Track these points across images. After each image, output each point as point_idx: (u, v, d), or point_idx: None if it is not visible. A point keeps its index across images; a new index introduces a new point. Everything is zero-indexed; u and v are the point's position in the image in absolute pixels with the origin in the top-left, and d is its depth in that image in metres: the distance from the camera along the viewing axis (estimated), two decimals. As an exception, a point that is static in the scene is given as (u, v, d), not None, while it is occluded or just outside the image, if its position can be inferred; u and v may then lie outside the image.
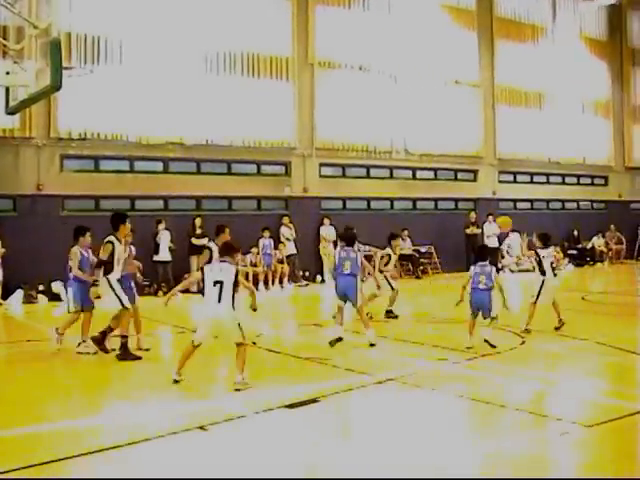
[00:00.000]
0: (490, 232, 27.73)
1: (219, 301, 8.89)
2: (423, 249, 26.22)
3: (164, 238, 20.92)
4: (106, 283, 11.09)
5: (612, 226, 33.26)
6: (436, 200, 28.51)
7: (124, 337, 10.98)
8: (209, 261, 12.01)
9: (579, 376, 9.96)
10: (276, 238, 23.12)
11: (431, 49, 27.55)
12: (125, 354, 10.91)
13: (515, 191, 31.20)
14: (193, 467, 6.35)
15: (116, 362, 10.74)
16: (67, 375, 10.60)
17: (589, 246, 32.36)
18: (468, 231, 27.38)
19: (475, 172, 29.67)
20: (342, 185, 26.02)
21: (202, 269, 9.25)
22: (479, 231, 27.70)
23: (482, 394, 8.72)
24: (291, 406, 7.92)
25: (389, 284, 15.12)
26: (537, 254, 13.26)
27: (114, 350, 11.15)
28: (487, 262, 11.75)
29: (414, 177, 27.89)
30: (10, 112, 14.27)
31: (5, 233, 18.86)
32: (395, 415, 8.10)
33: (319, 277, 24.16)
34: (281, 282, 22.49)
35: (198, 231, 21.43)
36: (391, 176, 27.33)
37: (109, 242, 11.18)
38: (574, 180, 33.56)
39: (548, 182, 32.48)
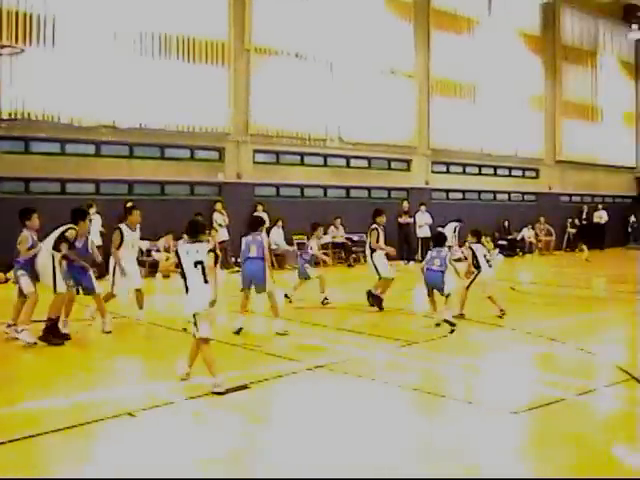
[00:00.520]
0: (422, 222, 28.10)
1: (205, 282, 8.27)
2: (356, 237, 26.29)
3: (95, 222, 20.56)
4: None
5: (542, 218, 33.96)
6: (369, 189, 28.66)
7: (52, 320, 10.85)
8: (120, 243, 12.03)
9: (506, 364, 10.12)
10: (209, 224, 22.95)
11: (368, 38, 27.65)
12: (48, 336, 10.76)
13: (448, 181, 31.57)
14: (121, 453, 6.31)
15: (38, 349, 10.53)
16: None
17: (519, 237, 32.98)
18: (401, 220, 27.63)
19: (408, 162, 29.90)
20: (276, 172, 25.99)
21: (176, 252, 8.44)
22: (411, 220, 28.01)
23: (410, 381, 8.83)
24: (220, 393, 7.89)
25: (305, 271, 15.28)
26: (471, 249, 13.79)
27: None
28: (443, 248, 13.00)
29: (348, 165, 28.00)
30: None
31: None
32: (321, 401, 8.14)
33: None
34: (214, 268, 22.28)
35: (130, 216, 21.23)
36: (325, 164, 27.39)
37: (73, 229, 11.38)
38: (506, 172, 34.10)
39: (480, 173, 32.94)
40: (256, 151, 25.37)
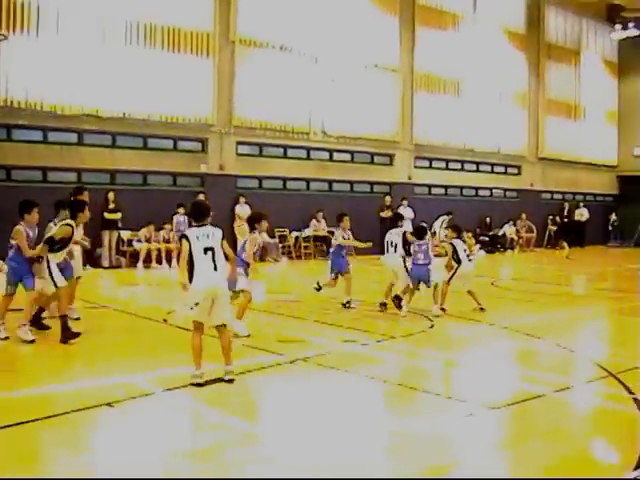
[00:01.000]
0: (404, 216, 28.02)
1: (215, 269, 7.97)
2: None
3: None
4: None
5: (523, 215, 34.14)
6: (352, 183, 28.68)
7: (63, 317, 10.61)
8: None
9: (484, 359, 10.16)
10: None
11: (353, 32, 27.66)
12: (67, 333, 10.40)
13: (430, 177, 31.64)
14: (99, 443, 6.31)
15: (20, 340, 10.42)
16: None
17: (500, 233, 33.10)
18: (383, 214, 27.64)
19: (391, 156, 29.94)
20: (259, 164, 25.96)
21: (186, 237, 8.02)
22: (393, 215, 27.97)
23: (389, 375, 8.86)
24: (199, 385, 7.87)
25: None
26: (452, 244, 13.88)
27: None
28: (423, 241, 13.31)
29: (331, 159, 28.01)
30: None
31: None
32: (301, 395, 8.15)
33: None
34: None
35: (111, 205, 21.21)
36: (308, 157, 27.38)
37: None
38: (488, 168, 34.23)
39: (463, 169, 33.05)
40: (239, 143, 25.32)
